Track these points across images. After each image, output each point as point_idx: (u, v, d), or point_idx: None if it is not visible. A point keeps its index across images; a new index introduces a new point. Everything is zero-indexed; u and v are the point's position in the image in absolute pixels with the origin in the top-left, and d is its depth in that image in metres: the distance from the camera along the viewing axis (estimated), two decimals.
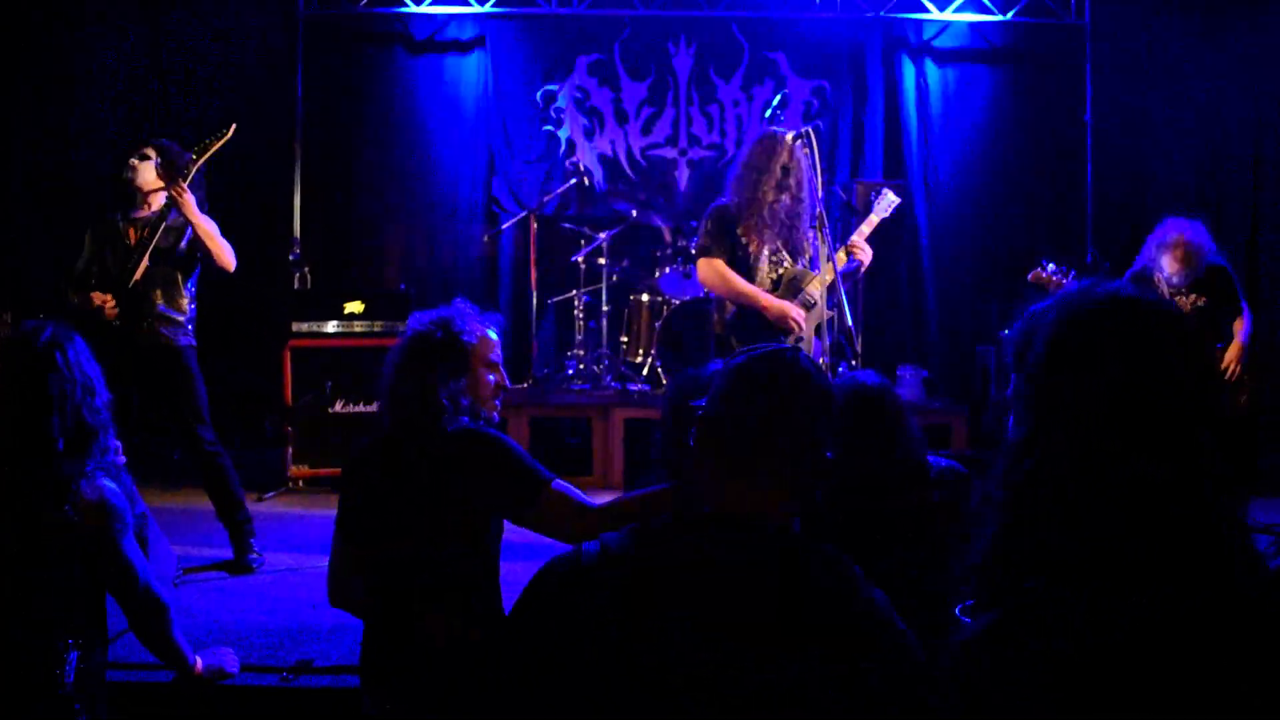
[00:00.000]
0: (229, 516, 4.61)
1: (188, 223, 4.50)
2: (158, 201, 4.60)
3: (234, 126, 4.70)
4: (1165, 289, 5.43)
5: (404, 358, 2.64)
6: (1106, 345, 1.31)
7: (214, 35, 7.50)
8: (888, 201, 4.57)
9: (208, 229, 4.53)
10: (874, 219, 4.51)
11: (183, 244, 4.59)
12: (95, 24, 7.39)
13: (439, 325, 2.66)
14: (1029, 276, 5.43)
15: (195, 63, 7.50)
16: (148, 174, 4.58)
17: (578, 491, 2.50)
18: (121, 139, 7.34)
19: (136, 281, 4.50)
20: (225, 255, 4.59)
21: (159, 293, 4.56)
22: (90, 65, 7.38)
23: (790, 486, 1.61)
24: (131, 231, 4.58)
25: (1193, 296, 5.42)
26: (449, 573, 2.48)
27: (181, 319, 4.61)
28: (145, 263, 4.50)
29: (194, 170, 4.51)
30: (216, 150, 4.58)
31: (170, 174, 4.49)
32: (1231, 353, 5.38)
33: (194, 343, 4.68)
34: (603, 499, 2.56)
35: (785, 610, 1.46)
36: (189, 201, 4.46)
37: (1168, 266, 5.38)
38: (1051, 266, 5.42)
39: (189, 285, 4.66)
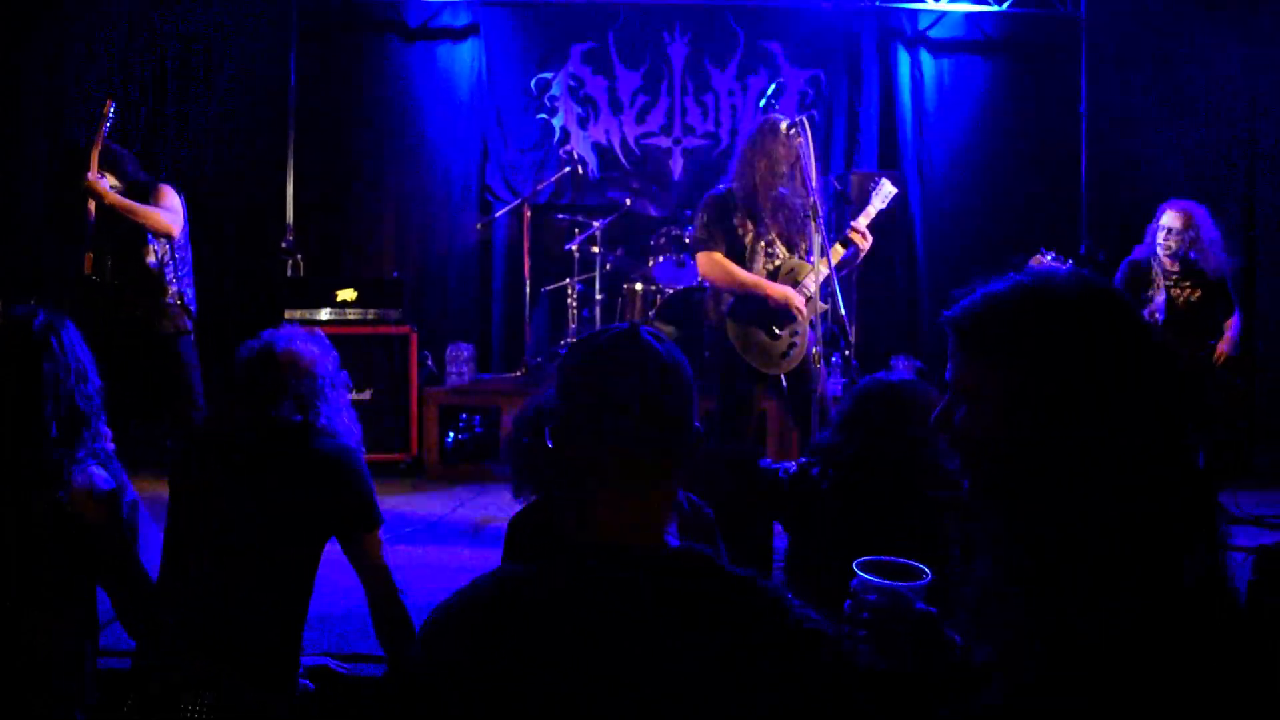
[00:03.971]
0: None
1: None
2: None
3: (110, 103, 4.69)
4: (1161, 279, 5.45)
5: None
6: (1099, 342, 1.31)
7: (207, 22, 7.45)
8: (886, 191, 4.54)
9: (128, 205, 4.53)
10: (871, 210, 4.49)
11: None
12: (88, 15, 7.33)
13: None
14: (1030, 263, 5.40)
15: (188, 50, 7.45)
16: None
17: None
18: (115, 128, 7.31)
19: (106, 272, 4.53)
20: (158, 223, 4.57)
21: (133, 278, 4.58)
22: (84, 55, 7.33)
23: (667, 486, 1.45)
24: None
25: (1189, 289, 5.44)
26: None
27: (164, 299, 4.60)
28: (90, 254, 4.52)
29: (92, 159, 4.51)
30: (105, 129, 4.60)
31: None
32: (1221, 347, 5.43)
33: (188, 326, 4.67)
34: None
35: (694, 644, 1.32)
36: (101, 191, 4.48)
37: (1166, 220, 5.41)
38: (1050, 255, 5.41)
39: (152, 259, 4.63)
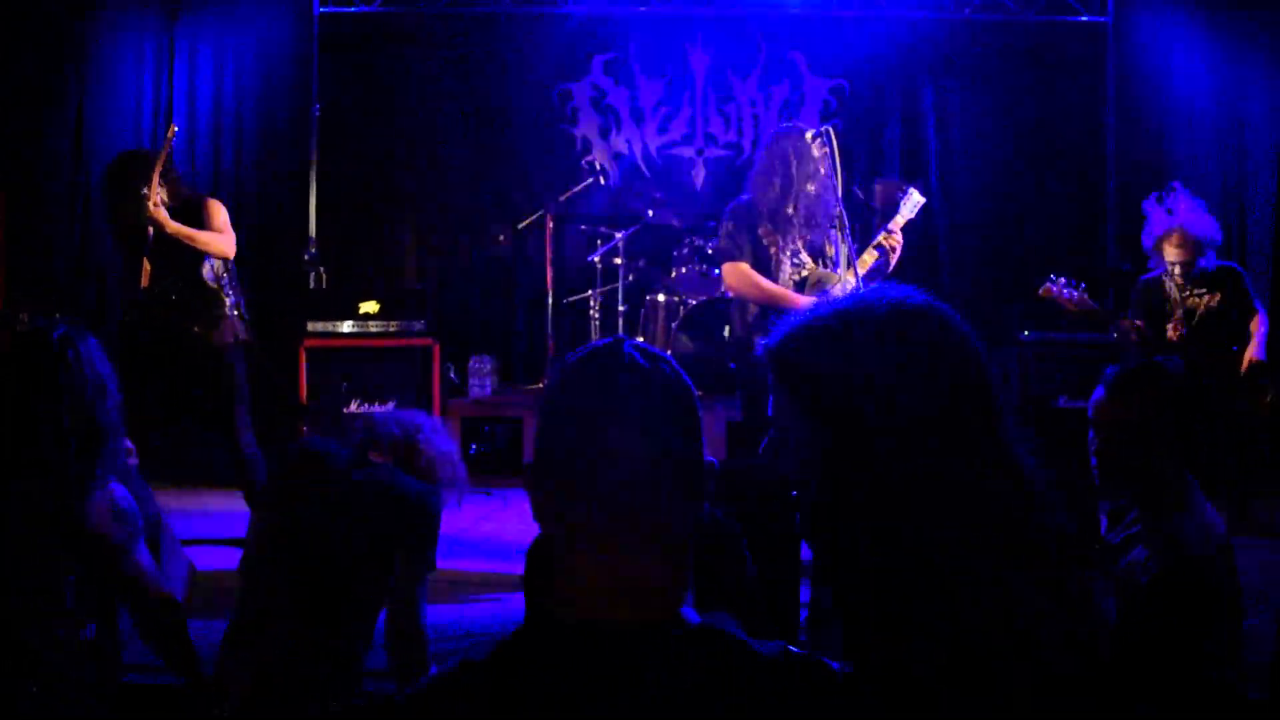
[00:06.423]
0: None
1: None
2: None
3: (174, 128, 4.80)
4: (1177, 294, 5.35)
5: None
6: (901, 376, 1.24)
7: (229, 34, 7.48)
8: (914, 201, 4.47)
9: (189, 233, 4.56)
10: (900, 219, 4.42)
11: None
12: (110, 22, 7.37)
13: None
14: (1039, 292, 5.32)
15: (211, 62, 7.48)
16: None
17: None
18: (139, 138, 7.36)
19: (159, 284, 4.57)
20: (215, 246, 4.63)
21: (189, 292, 4.62)
22: (107, 64, 7.37)
23: (676, 542, 1.17)
24: None
25: (1206, 296, 5.33)
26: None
27: (222, 310, 4.64)
28: (148, 266, 4.56)
29: (153, 185, 4.51)
30: (167, 154, 4.63)
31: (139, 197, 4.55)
32: (1250, 353, 5.31)
33: (245, 334, 4.71)
34: None
35: None
36: (163, 220, 4.50)
37: (1169, 255, 5.31)
38: (1062, 280, 5.30)
39: (209, 273, 4.66)
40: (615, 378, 1.17)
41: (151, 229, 4.57)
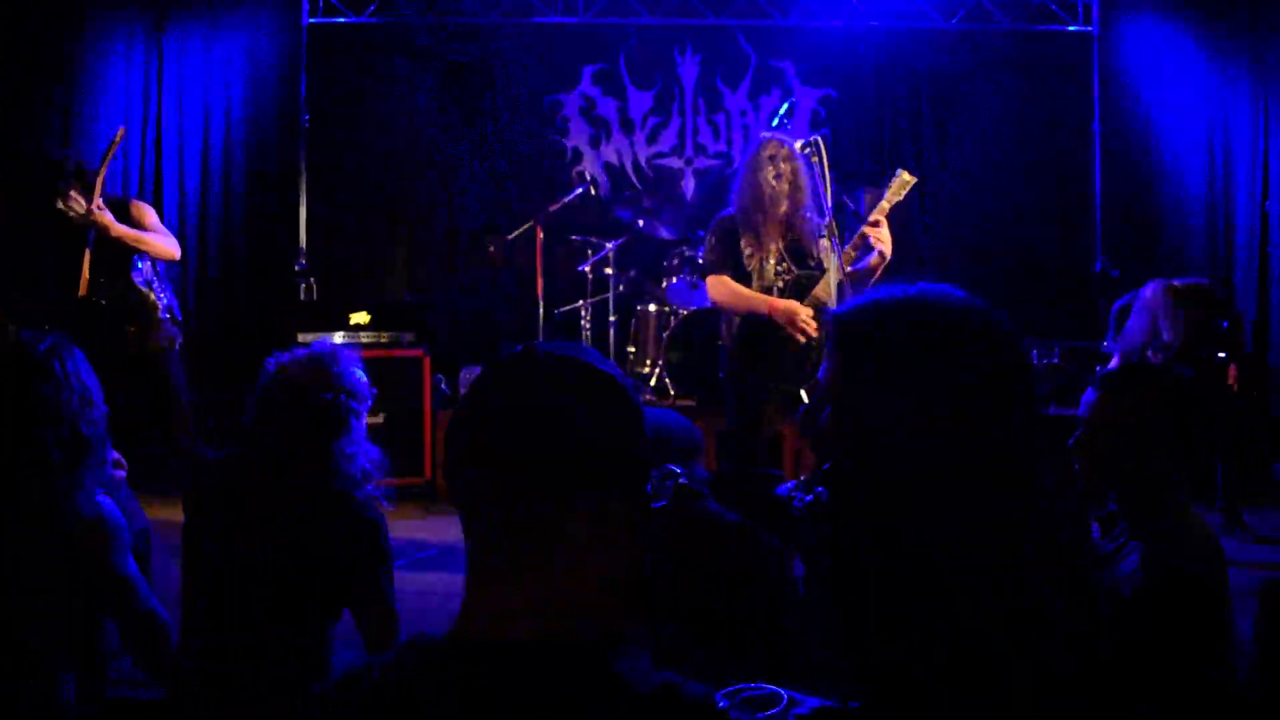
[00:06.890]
0: None
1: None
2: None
3: (122, 130, 4.78)
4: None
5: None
6: (972, 366, 1.30)
7: (218, 44, 7.47)
8: (902, 181, 4.10)
9: (135, 235, 4.54)
10: (885, 205, 4.13)
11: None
12: (98, 33, 7.35)
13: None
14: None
15: (200, 71, 7.47)
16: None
17: None
18: (127, 148, 7.33)
19: (91, 290, 4.53)
20: (161, 248, 4.60)
21: (124, 298, 4.59)
22: (95, 73, 7.35)
23: (604, 561, 1.08)
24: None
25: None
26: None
27: (156, 314, 4.60)
28: (86, 274, 4.53)
29: (96, 187, 4.49)
30: (111, 155, 4.63)
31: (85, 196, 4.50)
32: (1233, 370, 5.35)
33: (179, 338, 4.67)
34: None
35: None
36: (106, 223, 4.47)
37: (1180, 314, 5.20)
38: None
39: (139, 276, 4.62)
40: (499, 386, 1.11)
41: (93, 233, 4.52)
